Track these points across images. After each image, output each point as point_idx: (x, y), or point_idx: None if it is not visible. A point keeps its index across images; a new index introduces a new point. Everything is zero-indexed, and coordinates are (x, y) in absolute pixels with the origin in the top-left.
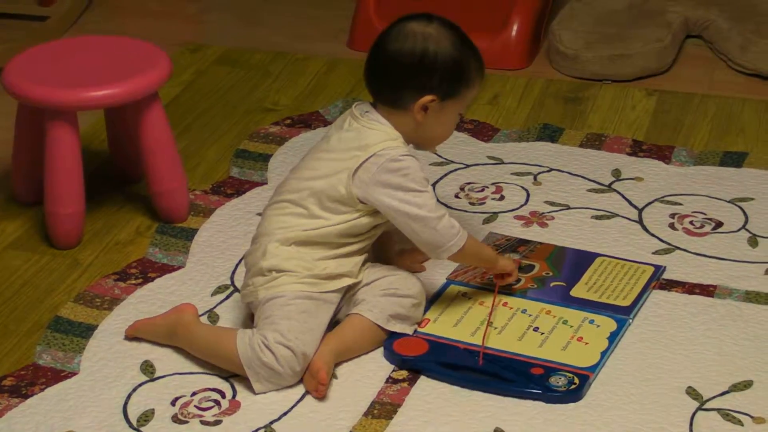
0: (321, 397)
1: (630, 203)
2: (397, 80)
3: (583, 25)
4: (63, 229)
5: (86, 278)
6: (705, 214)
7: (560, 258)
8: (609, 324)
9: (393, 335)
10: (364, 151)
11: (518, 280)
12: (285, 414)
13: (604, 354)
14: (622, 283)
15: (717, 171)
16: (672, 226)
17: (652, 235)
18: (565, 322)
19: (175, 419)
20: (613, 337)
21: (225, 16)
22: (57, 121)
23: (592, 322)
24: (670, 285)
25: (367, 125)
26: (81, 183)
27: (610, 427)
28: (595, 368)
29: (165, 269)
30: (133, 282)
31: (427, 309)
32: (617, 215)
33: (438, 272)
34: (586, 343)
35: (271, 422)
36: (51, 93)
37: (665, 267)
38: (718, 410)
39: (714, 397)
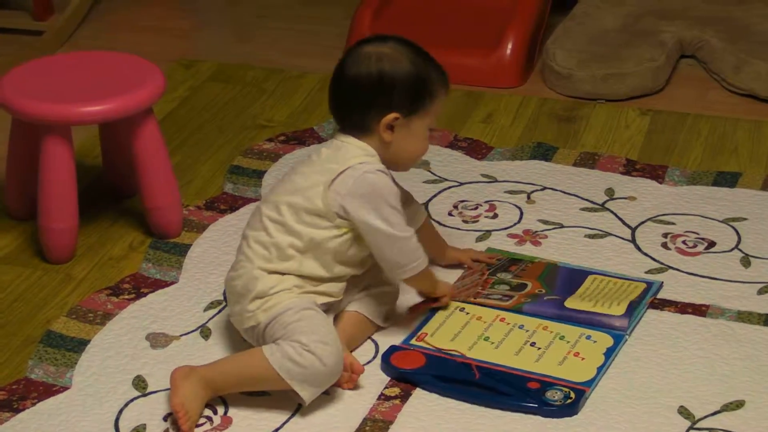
0: (351, 388)
1: (623, 222)
2: (359, 104)
3: (577, 44)
4: (56, 243)
5: (79, 293)
6: (698, 233)
7: (552, 276)
8: (605, 339)
9: (389, 349)
10: (340, 164)
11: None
12: (276, 430)
13: (601, 369)
14: (613, 298)
15: (710, 191)
16: (665, 245)
17: (645, 254)
18: (562, 338)
19: None
20: (610, 353)
21: (219, 32)
22: (51, 136)
23: (588, 337)
24: (663, 304)
25: (347, 141)
26: (74, 198)
27: None
28: (591, 383)
29: (158, 284)
30: (126, 297)
31: (424, 323)
32: (610, 234)
33: None
34: (583, 359)
35: None
36: (45, 108)
37: (662, 282)
38: (710, 430)
39: (706, 416)
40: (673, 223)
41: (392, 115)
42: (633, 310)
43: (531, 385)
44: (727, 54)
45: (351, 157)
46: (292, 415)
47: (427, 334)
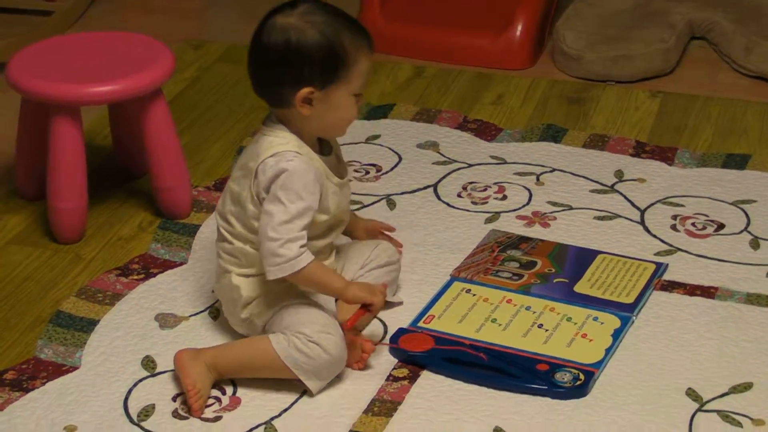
0: (362, 368)
1: (632, 204)
2: (271, 78)
3: (587, 25)
4: (65, 224)
5: (88, 273)
6: (707, 215)
7: (562, 255)
8: (613, 321)
9: (397, 332)
10: (254, 161)
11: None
12: (285, 411)
13: (609, 351)
14: (624, 280)
15: (720, 173)
16: (674, 227)
17: (654, 236)
18: (569, 319)
19: (176, 415)
20: (617, 335)
21: (228, 13)
22: (60, 116)
23: (596, 319)
24: (672, 286)
25: (265, 132)
26: (84, 178)
27: (609, 427)
28: (600, 365)
29: (167, 265)
30: (135, 277)
31: (431, 305)
32: (619, 216)
33: (442, 269)
34: (591, 340)
35: (271, 419)
36: (55, 88)
37: (667, 264)
38: (718, 411)
39: (714, 398)
40: (682, 205)
41: (306, 90)
42: (641, 298)
43: (540, 366)
44: (738, 36)
45: (263, 150)
46: (301, 396)
47: (434, 316)
